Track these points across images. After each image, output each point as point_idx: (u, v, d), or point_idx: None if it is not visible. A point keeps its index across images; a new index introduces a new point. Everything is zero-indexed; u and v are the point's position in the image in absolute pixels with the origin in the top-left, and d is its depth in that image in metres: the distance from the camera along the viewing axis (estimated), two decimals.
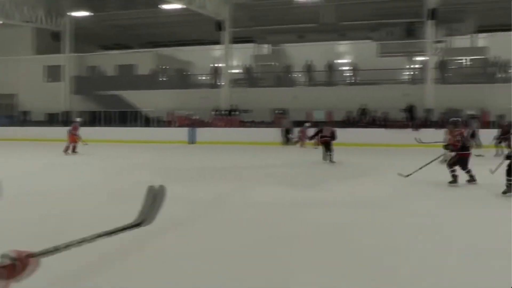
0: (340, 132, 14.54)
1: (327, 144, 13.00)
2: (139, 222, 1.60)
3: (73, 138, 15.50)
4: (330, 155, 12.91)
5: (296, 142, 19.37)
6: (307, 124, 19.13)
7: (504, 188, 7.62)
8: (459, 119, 9.56)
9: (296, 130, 19.97)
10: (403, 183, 8.98)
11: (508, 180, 7.69)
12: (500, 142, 14.00)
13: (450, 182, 8.62)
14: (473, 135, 17.22)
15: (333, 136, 13.05)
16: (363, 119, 20.86)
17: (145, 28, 27.04)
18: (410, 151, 15.30)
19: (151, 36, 28.36)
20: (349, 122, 20.62)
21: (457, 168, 8.60)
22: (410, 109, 20.40)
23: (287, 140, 20.10)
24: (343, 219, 6.12)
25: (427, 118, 19.94)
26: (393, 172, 9.96)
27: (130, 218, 1.62)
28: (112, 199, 7.49)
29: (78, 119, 17.34)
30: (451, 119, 10.39)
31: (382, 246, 4.90)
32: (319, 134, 13.46)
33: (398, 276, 4.09)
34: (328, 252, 4.70)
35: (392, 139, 18.70)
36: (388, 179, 9.84)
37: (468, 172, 8.68)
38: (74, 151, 15.43)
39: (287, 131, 20.15)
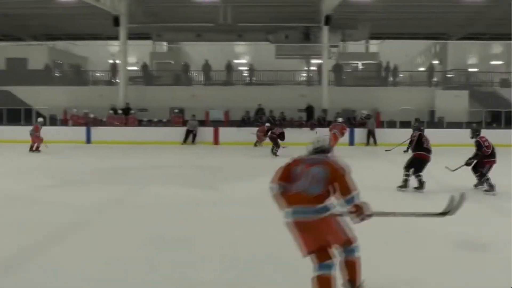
0: (237, 132, 15.91)
1: (275, 140, 15.29)
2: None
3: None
4: (276, 150, 15.15)
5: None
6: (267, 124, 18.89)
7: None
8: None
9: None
10: None
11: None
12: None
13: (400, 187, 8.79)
14: (370, 133, 18.86)
15: (281, 136, 15.36)
16: (259, 119, 21.21)
17: (38, 19, 25.46)
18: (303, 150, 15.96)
19: (44, 29, 26.76)
20: (246, 122, 20.92)
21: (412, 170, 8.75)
22: (309, 110, 21.20)
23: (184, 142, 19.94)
24: (235, 215, 6.67)
25: (323, 118, 20.79)
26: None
27: (26, 224, 1.59)
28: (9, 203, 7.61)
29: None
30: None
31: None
32: (270, 132, 15.74)
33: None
34: (222, 248, 5.13)
35: (288, 138, 19.17)
36: None
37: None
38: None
39: (187, 132, 19.93)
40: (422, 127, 9.39)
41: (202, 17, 22.83)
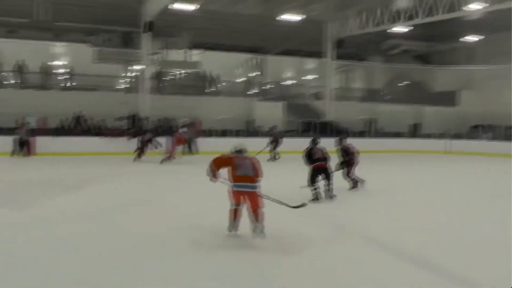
0: (53, 141, 21.86)
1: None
2: None
3: None
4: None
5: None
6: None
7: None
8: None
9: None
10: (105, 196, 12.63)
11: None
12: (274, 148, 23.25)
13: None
14: (190, 142, 24.81)
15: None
16: (78, 127, 25.27)
17: None
18: (124, 159, 21.48)
19: None
20: (63, 130, 25.02)
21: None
22: (132, 118, 26.66)
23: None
24: (62, 233, 8.30)
25: (143, 126, 26.05)
26: (114, 181, 14.85)
27: None
28: None
29: None
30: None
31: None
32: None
33: None
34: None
35: (108, 148, 24.00)
36: (111, 189, 13.80)
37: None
38: None
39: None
40: (316, 141, 12.24)
41: (15, 11, 26.75)
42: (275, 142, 23.55)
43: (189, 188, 13.84)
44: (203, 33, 33.16)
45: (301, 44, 36.36)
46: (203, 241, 8.04)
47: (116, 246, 7.59)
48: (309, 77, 44.17)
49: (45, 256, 7.02)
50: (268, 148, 23.28)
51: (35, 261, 6.76)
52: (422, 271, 6.85)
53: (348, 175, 13.74)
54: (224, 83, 35.09)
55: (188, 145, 25.48)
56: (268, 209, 8.13)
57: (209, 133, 27.31)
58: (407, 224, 9.77)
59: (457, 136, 30.91)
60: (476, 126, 33.26)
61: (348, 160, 13.56)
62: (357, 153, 13.75)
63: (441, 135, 31.15)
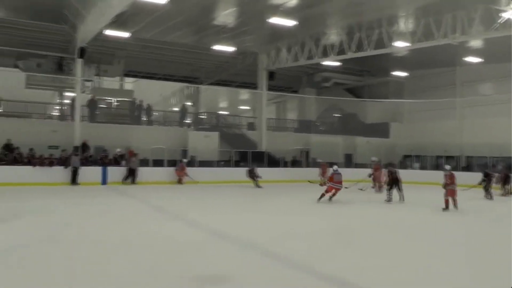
0: None
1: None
2: None
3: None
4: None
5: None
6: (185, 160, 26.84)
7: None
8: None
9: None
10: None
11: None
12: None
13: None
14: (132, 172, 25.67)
15: None
16: (8, 156, 24.85)
17: None
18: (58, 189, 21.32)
19: None
20: None
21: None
22: (83, 146, 26.68)
23: None
24: None
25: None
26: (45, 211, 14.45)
27: None
28: None
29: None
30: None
31: None
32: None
33: None
34: None
35: (40, 177, 23.74)
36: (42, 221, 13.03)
37: None
38: None
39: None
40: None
41: None
42: None
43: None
44: (137, 61, 33.70)
45: (235, 75, 37.38)
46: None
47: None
48: (243, 107, 45.27)
49: None
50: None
51: None
52: None
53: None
54: (158, 113, 35.41)
55: (132, 174, 26.05)
56: None
57: (145, 163, 27.49)
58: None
59: (389, 166, 32.13)
60: (407, 156, 35.03)
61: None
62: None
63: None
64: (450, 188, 16.46)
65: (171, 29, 27.22)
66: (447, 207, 16.32)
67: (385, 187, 20.76)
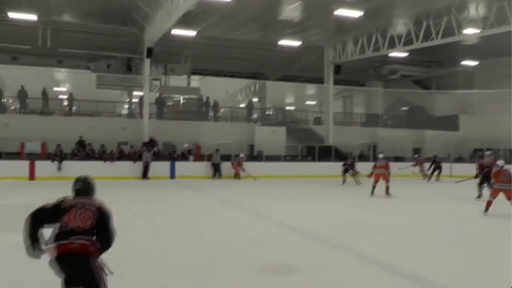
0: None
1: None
2: None
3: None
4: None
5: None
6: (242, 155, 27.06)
7: None
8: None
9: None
10: None
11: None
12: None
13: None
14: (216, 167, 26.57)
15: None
16: (81, 152, 25.77)
17: None
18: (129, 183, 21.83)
19: None
20: (65, 155, 25.18)
21: None
22: (151, 142, 27.27)
23: None
24: None
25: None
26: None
27: None
28: None
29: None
30: None
31: None
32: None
33: None
34: None
35: (109, 172, 24.35)
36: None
37: None
38: None
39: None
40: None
41: (18, 38, 27.61)
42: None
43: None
44: (204, 59, 34.09)
45: (300, 70, 37.18)
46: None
47: None
48: (310, 102, 44.98)
49: None
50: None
51: None
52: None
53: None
54: (225, 109, 35.69)
55: (217, 169, 26.73)
56: None
57: (210, 158, 27.65)
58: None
59: (459, 160, 31.26)
60: (477, 150, 33.69)
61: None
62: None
63: (444, 159, 31.47)
64: (497, 186, 13.14)
65: (236, 26, 27.36)
66: (487, 209, 13.21)
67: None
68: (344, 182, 23.79)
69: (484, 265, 7.99)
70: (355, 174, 23.94)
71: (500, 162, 13.64)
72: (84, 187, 5.04)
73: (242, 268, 7.48)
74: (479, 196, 17.32)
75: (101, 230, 4.58)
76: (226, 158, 27.52)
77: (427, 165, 28.61)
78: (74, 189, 4.99)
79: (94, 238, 4.50)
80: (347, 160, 24.85)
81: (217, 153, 26.93)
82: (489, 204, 13.13)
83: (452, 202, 15.17)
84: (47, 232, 4.54)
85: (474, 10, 24.52)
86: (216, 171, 26.70)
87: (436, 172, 27.45)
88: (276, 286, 6.74)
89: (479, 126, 35.23)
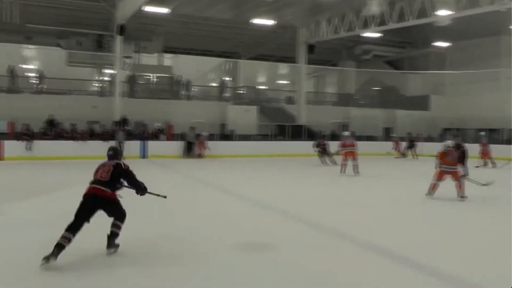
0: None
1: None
2: None
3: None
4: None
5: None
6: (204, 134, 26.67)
7: None
8: None
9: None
10: None
11: None
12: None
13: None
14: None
15: None
16: (51, 131, 25.30)
17: None
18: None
19: None
20: (33, 134, 24.59)
21: None
22: (123, 121, 26.79)
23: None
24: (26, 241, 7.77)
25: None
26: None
27: None
28: None
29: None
30: None
31: None
32: None
33: None
34: None
35: (80, 151, 24.05)
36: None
37: None
38: None
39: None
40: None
41: None
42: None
43: None
44: (176, 37, 33.68)
45: (273, 49, 37.06)
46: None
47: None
48: (283, 81, 44.94)
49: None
50: None
51: None
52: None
53: None
54: (197, 88, 35.39)
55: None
56: None
57: (183, 137, 27.47)
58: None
59: (429, 139, 31.60)
60: (447, 129, 34.20)
61: None
62: None
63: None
64: (443, 168, 12.50)
65: (210, 4, 27.12)
66: (430, 192, 12.64)
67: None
68: (323, 163, 23.29)
69: (436, 238, 8.30)
70: (330, 155, 23.55)
71: (448, 143, 13.09)
72: (113, 153, 7.45)
73: (220, 247, 7.57)
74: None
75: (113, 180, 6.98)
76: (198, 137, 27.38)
77: (403, 143, 29.38)
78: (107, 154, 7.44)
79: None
80: (320, 141, 24.44)
81: (191, 131, 26.79)
82: (433, 186, 12.50)
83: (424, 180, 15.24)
84: None
85: None
86: (190, 150, 26.56)
87: (412, 150, 28.46)
88: (254, 264, 6.79)
89: (449, 106, 35.83)
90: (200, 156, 26.34)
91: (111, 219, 6.91)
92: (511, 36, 31.96)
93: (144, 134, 26.74)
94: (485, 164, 23.22)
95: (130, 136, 25.86)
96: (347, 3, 27.19)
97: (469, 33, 32.66)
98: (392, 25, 26.74)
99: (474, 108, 33.51)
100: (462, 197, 12.19)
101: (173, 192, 11.15)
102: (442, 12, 25.09)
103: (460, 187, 12.26)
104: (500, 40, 33.52)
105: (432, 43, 36.16)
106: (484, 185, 12.18)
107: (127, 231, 7.05)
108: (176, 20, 29.78)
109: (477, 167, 22.18)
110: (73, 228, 6.43)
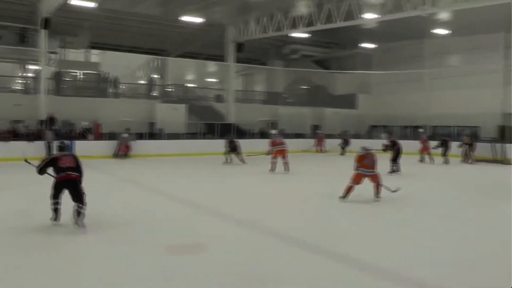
0: None
1: None
2: None
3: None
4: None
5: None
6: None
7: None
8: None
9: None
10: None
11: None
12: None
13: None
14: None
15: None
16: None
17: None
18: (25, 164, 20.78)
19: None
20: None
21: None
22: (51, 120, 25.77)
23: None
24: None
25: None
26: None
27: None
28: None
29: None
30: None
31: None
32: None
33: None
34: None
35: (2, 153, 22.84)
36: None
37: None
38: None
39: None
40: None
41: None
42: None
43: None
44: (103, 33, 33.04)
45: (202, 47, 37.05)
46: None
47: None
48: (211, 79, 44.91)
49: None
50: None
51: None
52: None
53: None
54: (125, 85, 34.79)
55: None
56: None
57: (112, 136, 26.82)
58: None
59: (356, 136, 32.46)
60: (374, 127, 35.52)
61: None
62: None
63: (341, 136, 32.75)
64: (361, 171, 12.34)
65: (138, 0, 26.64)
66: (345, 195, 12.23)
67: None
68: (227, 160, 23.28)
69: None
70: (240, 153, 23.39)
71: (365, 146, 12.67)
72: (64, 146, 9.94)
73: (150, 249, 7.64)
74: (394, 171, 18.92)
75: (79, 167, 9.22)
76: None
77: (326, 141, 30.82)
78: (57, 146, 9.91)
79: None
80: (231, 139, 23.92)
81: (126, 131, 26.28)
82: (348, 189, 12.12)
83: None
84: None
85: None
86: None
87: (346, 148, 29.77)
88: (185, 264, 6.89)
89: (375, 104, 37.17)
90: (126, 156, 25.70)
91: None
92: (432, 40, 33.65)
93: (71, 134, 25.90)
94: (422, 160, 24.60)
95: (58, 136, 25.02)
96: (275, 3, 27.49)
97: (394, 36, 33.92)
98: (319, 26, 27.28)
99: (399, 107, 34.97)
100: (378, 197, 12.32)
101: (101, 194, 11.07)
102: (369, 15, 26.00)
103: (377, 188, 12.34)
104: (423, 43, 35.25)
105: (359, 44, 37.20)
106: (394, 191, 12.41)
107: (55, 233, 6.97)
108: (103, 15, 29.12)
109: (421, 161, 24.39)
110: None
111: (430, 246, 8.22)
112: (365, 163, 12.26)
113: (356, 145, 29.39)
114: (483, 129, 29.92)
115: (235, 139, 24.06)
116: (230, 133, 27.02)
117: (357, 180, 12.24)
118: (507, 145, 25.56)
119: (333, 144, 31.38)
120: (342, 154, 29.57)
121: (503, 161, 24.61)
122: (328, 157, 28.69)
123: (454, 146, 24.90)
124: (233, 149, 23.38)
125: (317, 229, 9.33)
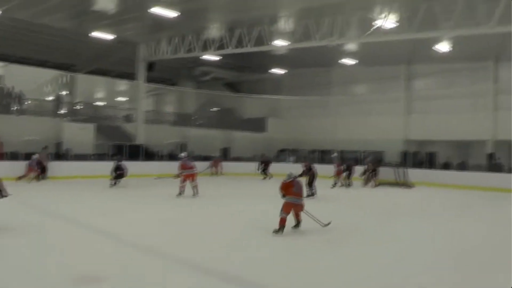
0: None
1: None
2: None
3: None
4: None
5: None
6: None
7: None
8: None
9: None
10: None
11: None
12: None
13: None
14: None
15: None
16: None
17: None
18: None
19: None
20: None
21: None
22: None
23: None
24: None
25: None
26: None
27: None
28: None
29: None
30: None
31: None
32: None
33: None
34: None
35: None
36: None
37: None
38: None
39: None
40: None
41: None
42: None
43: None
44: (8, 43, 31.58)
45: (113, 64, 36.48)
46: None
47: None
48: (121, 99, 44.19)
49: None
50: None
51: None
52: None
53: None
54: (31, 101, 33.41)
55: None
56: None
57: (15, 156, 25.39)
58: None
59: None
60: (282, 150, 36.20)
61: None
62: None
63: (250, 159, 33.03)
64: (290, 200, 11.50)
65: (48, 11, 25.60)
66: (281, 228, 11.17)
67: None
68: (111, 185, 22.51)
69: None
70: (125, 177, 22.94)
71: (291, 172, 12.00)
72: None
73: (52, 278, 7.38)
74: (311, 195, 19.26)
75: None
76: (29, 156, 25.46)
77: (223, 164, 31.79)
78: None
79: None
80: (119, 165, 23.10)
81: (44, 150, 25.07)
82: (283, 221, 11.12)
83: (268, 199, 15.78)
84: None
85: (284, 24, 26.44)
86: (43, 172, 24.40)
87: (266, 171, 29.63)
88: None
89: (285, 128, 38.06)
90: (29, 178, 23.89)
91: None
92: (340, 68, 35.07)
93: None
94: (336, 183, 25.15)
95: None
96: (187, 24, 27.48)
97: (304, 63, 35.11)
98: (230, 50, 27.69)
99: (308, 131, 36.07)
100: (297, 225, 11.71)
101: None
102: (279, 42, 26.87)
103: (299, 216, 11.67)
104: (331, 71, 36.93)
105: (270, 69, 38.06)
106: (326, 225, 11.86)
107: None
108: (9, 24, 27.90)
109: (334, 185, 24.87)
110: None
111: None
112: (294, 191, 11.46)
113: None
114: (387, 154, 31.40)
115: (123, 165, 23.20)
116: (121, 155, 26.15)
117: (288, 209, 11.30)
118: (409, 169, 26.85)
119: (245, 167, 31.79)
120: (265, 178, 28.99)
121: (405, 184, 25.88)
122: (232, 180, 28.68)
123: (358, 171, 25.89)
124: (120, 176, 22.79)
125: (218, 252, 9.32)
